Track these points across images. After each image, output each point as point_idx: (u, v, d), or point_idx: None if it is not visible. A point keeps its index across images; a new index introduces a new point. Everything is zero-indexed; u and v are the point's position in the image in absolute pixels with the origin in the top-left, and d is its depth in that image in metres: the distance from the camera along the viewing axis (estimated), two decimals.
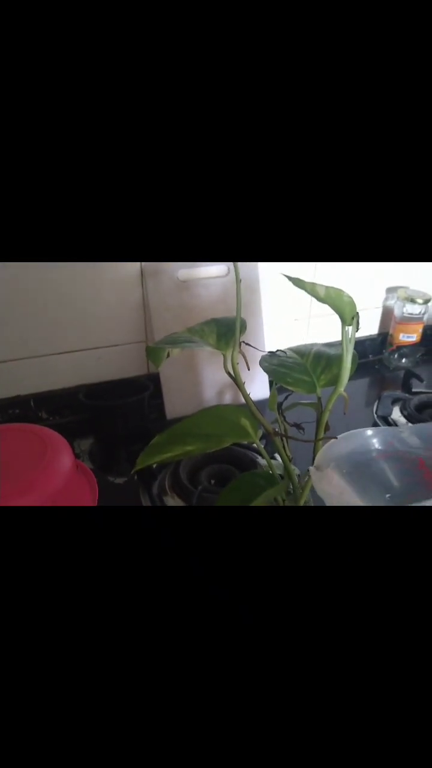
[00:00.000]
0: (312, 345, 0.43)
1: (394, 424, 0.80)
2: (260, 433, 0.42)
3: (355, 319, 0.34)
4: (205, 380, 0.80)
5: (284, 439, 0.40)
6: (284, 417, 0.40)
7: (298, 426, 0.40)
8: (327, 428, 0.38)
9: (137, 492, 0.66)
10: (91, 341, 0.80)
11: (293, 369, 0.39)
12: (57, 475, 0.49)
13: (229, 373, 0.39)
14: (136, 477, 0.68)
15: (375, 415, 0.82)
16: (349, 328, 0.35)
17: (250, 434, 0.40)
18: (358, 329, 0.35)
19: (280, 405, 0.41)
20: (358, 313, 0.34)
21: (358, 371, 1.00)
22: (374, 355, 1.05)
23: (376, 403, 0.84)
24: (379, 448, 0.51)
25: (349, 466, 0.46)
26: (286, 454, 0.40)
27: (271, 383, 0.43)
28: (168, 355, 0.43)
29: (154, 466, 0.71)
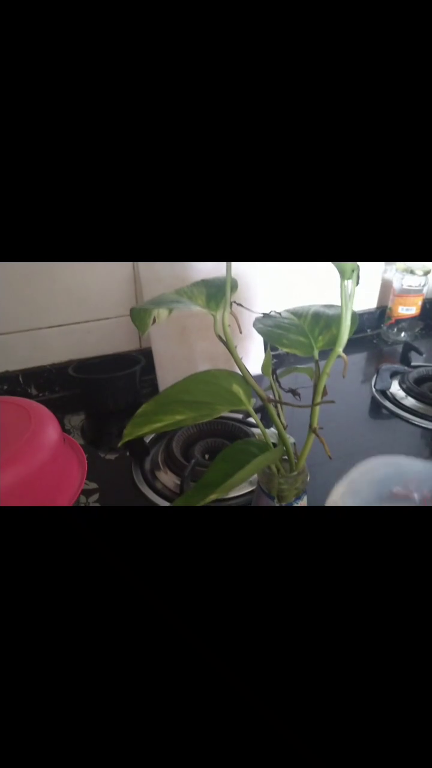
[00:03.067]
0: (310, 306, 0.41)
1: (393, 397, 0.78)
2: (254, 401, 0.40)
3: (355, 273, 0.31)
4: (198, 355, 0.78)
5: (279, 405, 0.38)
6: (279, 383, 0.38)
7: (293, 392, 0.38)
8: (325, 393, 0.36)
9: (129, 468, 0.64)
10: (80, 315, 0.77)
11: (289, 330, 0.37)
12: (42, 447, 0.47)
13: (219, 337, 0.37)
14: (128, 453, 0.66)
15: (373, 389, 0.80)
16: (349, 283, 0.32)
17: (242, 401, 0.38)
18: (358, 283, 0.32)
19: (274, 370, 0.39)
20: (358, 266, 0.32)
21: (356, 345, 0.99)
22: (372, 329, 1.03)
23: (374, 377, 0.82)
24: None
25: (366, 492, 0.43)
26: (281, 422, 0.38)
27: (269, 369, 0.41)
28: (154, 321, 0.40)
29: (147, 440, 0.69)
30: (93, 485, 0.61)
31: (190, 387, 0.38)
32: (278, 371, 0.39)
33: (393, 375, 0.83)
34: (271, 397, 0.38)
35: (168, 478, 0.62)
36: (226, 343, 0.37)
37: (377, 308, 1.02)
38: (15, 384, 0.76)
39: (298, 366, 0.38)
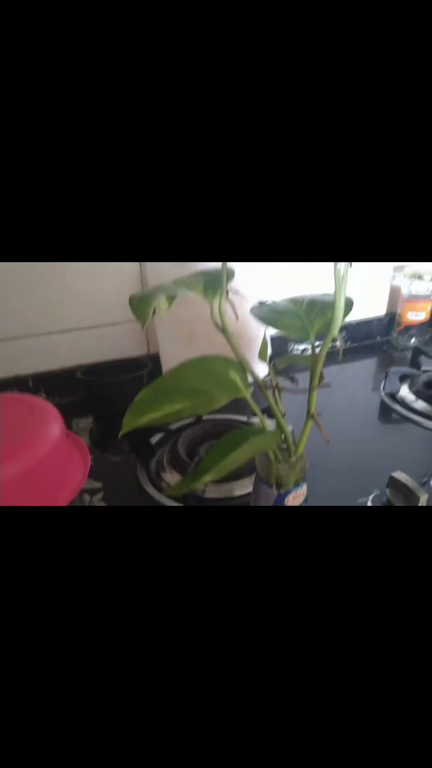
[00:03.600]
0: (306, 295, 0.41)
1: (402, 400, 0.77)
2: (252, 390, 0.40)
3: None
4: None
5: (276, 392, 0.38)
6: (276, 369, 0.38)
7: (291, 378, 0.38)
8: (321, 378, 0.36)
9: (134, 468, 0.64)
10: (89, 320, 0.79)
11: (285, 314, 0.37)
12: (45, 440, 0.47)
13: (216, 324, 0.37)
14: (135, 455, 0.66)
15: (382, 393, 0.79)
16: (342, 266, 0.32)
17: (240, 389, 0.38)
18: (351, 265, 0.33)
19: (271, 358, 0.39)
20: None
21: (366, 352, 0.98)
22: (382, 336, 1.02)
23: (383, 381, 0.81)
24: None
25: None
26: (278, 409, 0.38)
27: (265, 354, 0.40)
28: (155, 312, 0.41)
29: (153, 442, 0.69)
30: (98, 485, 0.61)
31: (187, 373, 0.38)
32: (276, 359, 0.39)
33: (402, 378, 0.82)
34: (269, 384, 0.38)
35: (173, 479, 0.61)
36: (223, 330, 0.37)
37: (386, 315, 1.02)
38: (25, 388, 0.78)
39: (295, 354, 0.38)
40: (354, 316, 0.98)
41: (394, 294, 1.00)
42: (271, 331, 0.41)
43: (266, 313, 0.38)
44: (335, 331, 0.34)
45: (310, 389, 0.36)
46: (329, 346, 0.35)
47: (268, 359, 0.38)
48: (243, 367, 0.38)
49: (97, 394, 0.74)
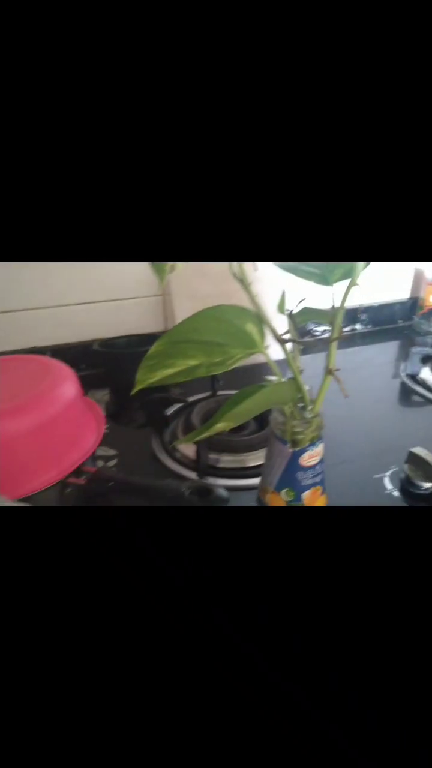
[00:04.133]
0: None
1: (423, 383, 0.75)
2: (268, 345, 0.39)
3: None
4: None
5: (294, 347, 0.37)
6: (294, 323, 0.37)
7: (309, 333, 0.37)
8: (341, 333, 0.35)
9: (149, 438, 0.64)
10: (108, 293, 0.79)
11: (304, 263, 0.36)
12: (59, 397, 0.47)
13: (234, 274, 0.36)
14: (150, 425, 0.66)
15: (402, 374, 0.77)
16: None
17: (255, 342, 0.37)
18: None
19: (290, 312, 0.38)
20: None
21: (387, 336, 0.96)
22: (404, 320, 1.00)
23: (404, 362, 0.79)
24: None
25: None
26: (295, 364, 0.37)
27: (283, 307, 0.39)
28: (172, 269, 0.40)
29: (168, 413, 0.68)
30: (113, 452, 0.61)
31: (200, 324, 0.37)
32: (294, 310, 0.38)
33: (425, 360, 0.80)
34: (286, 337, 0.37)
35: (187, 448, 0.61)
36: (241, 281, 0.36)
37: (409, 299, 1.00)
38: None
39: (314, 307, 0.37)
40: (376, 299, 0.96)
41: (418, 277, 0.98)
42: (290, 287, 0.40)
43: (285, 262, 0.37)
44: (356, 277, 0.33)
45: (330, 340, 0.35)
46: (350, 292, 0.34)
47: (287, 314, 0.37)
48: (260, 320, 0.37)
49: (113, 367, 0.74)
